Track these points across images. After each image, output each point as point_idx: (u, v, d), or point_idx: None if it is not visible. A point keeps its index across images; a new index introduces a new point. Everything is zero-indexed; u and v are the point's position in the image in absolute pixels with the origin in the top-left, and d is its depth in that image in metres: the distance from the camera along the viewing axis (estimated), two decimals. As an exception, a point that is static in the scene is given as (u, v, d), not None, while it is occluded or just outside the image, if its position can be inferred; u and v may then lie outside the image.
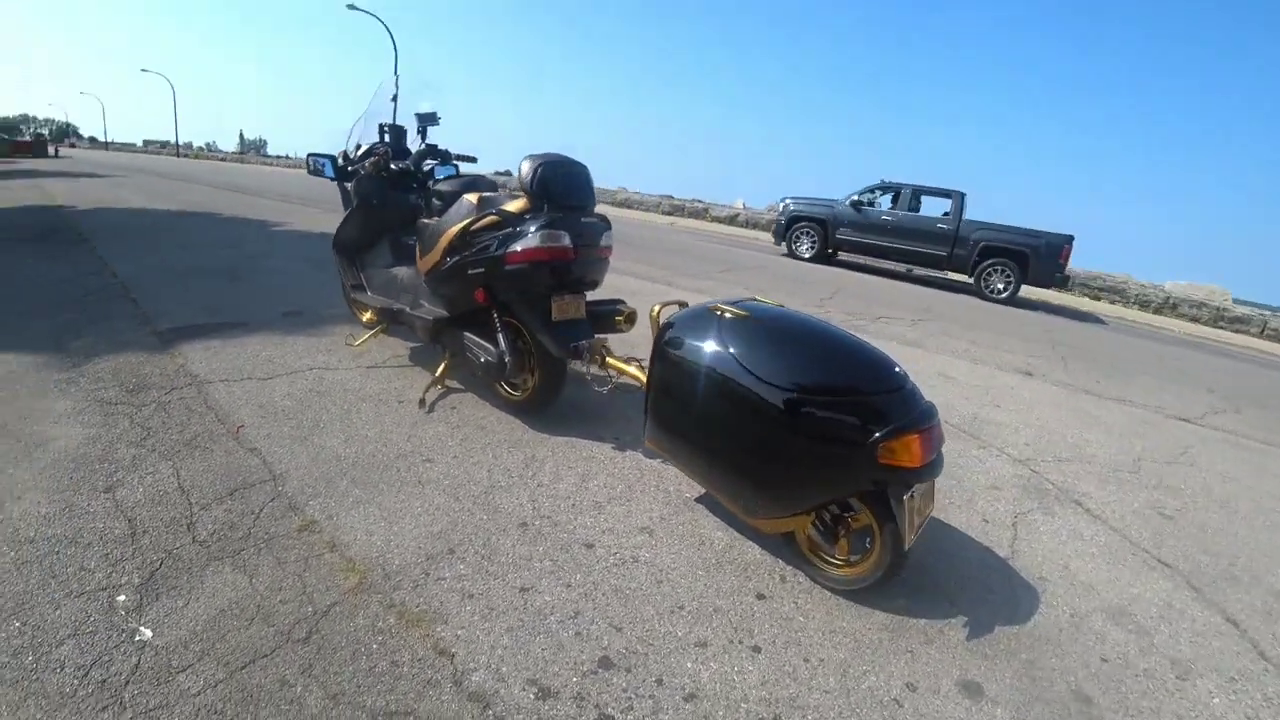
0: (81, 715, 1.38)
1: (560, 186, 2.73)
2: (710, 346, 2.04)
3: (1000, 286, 10.66)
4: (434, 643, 1.66)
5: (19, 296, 4.47)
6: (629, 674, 1.64)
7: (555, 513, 2.33)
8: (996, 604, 2.09)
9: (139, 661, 1.52)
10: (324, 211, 11.35)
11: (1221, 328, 12.24)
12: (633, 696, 1.56)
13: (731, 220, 18.36)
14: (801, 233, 12.47)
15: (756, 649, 1.78)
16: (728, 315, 2.08)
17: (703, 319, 2.14)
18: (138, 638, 1.59)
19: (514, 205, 2.73)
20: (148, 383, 3.09)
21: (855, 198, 12.07)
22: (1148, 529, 2.78)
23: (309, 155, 3.82)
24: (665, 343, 2.19)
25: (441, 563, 1.98)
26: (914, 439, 1.76)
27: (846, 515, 2.01)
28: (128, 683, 1.46)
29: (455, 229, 2.83)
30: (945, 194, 11.49)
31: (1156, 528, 2.81)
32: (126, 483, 2.24)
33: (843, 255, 12.82)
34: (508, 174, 18.39)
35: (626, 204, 20.72)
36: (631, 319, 2.98)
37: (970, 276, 11.04)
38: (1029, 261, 10.49)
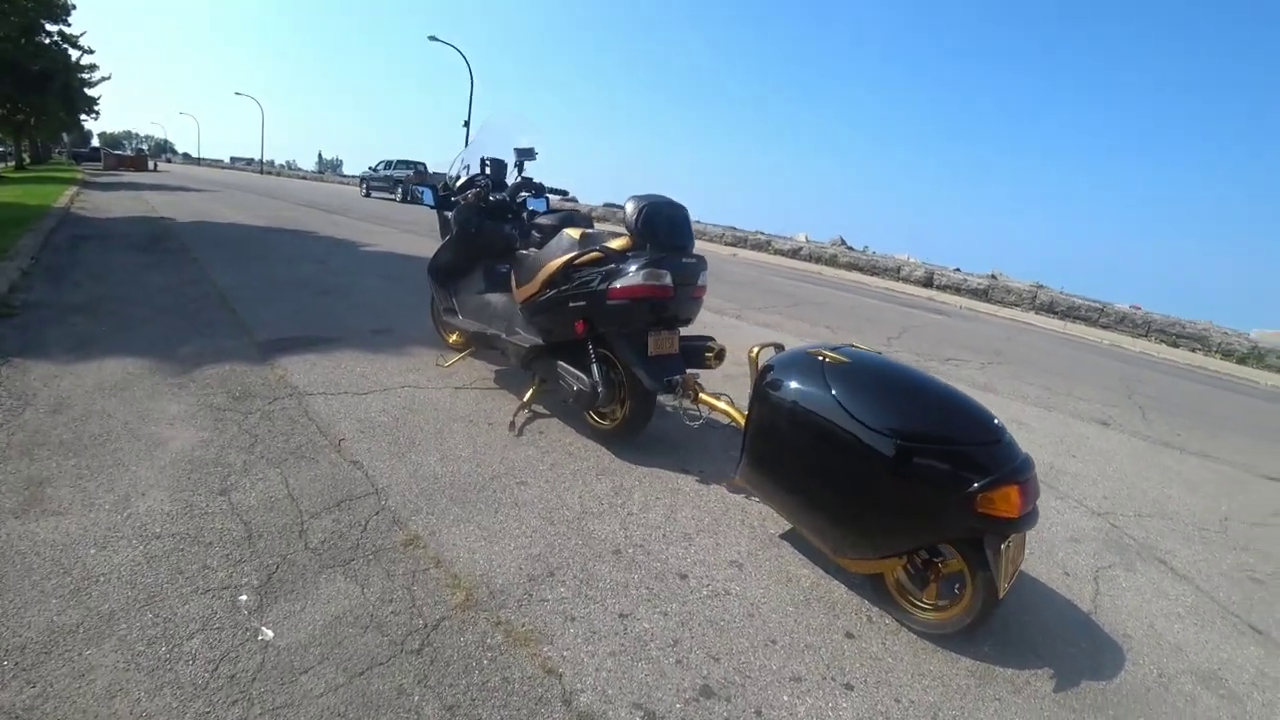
0: (213, 707, 1.44)
1: (663, 227, 2.81)
2: (814, 390, 2.09)
3: (398, 199, 23.05)
4: (542, 662, 1.69)
5: (130, 301, 4.78)
6: (729, 704, 1.64)
7: (647, 542, 2.35)
8: (1080, 658, 2.06)
9: (263, 660, 1.58)
10: (400, 231, 11.83)
11: (1317, 381, 11.41)
12: (735, 727, 1.56)
13: (795, 254, 18.29)
14: (371, 188, 26.08)
15: (849, 686, 1.78)
16: (830, 360, 2.13)
17: (805, 363, 2.20)
18: (260, 637, 1.66)
19: (617, 243, 2.82)
20: (252, 391, 3.25)
21: (371, 169, 26.92)
22: (1238, 592, 2.67)
23: (408, 184, 4.01)
24: (766, 384, 2.25)
25: (543, 584, 2.01)
26: (1013, 490, 1.79)
27: (937, 560, 2.02)
28: (254, 679, 1.53)
29: (557, 263, 2.92)
30: (409, 163, 24.73)
31: (1247, 592, 2.69)
32: (240, 486, 2.35)
33: (376, 195, 25.35)
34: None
35: (687, 233, 20.90)
36: (721, 355, 3.02)
37: (404, 199, 22.63)
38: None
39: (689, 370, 2.93)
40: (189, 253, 7.13)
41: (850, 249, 18.47)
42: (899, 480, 1.89)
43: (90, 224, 9.17)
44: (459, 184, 3.86)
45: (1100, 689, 1.93)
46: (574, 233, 2.98)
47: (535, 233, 3.40)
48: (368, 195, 25.63)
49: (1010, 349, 8.47)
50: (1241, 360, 12.32)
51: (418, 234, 11.74)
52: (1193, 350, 12.91)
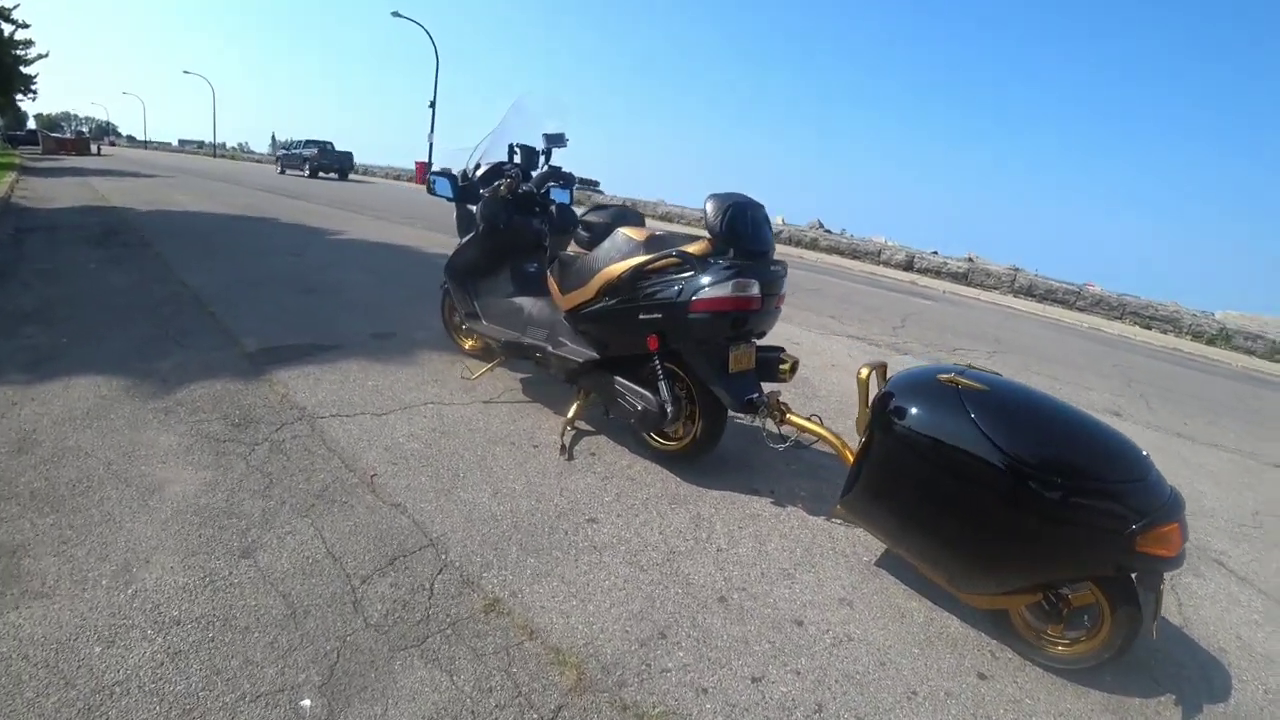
0: None
1: (748, 230, 2.47)
2: (952, 420, 1.93)
3: (306, 174, 24.63)
4: (691, 757, 1.38)
5: (91, 305, 4.26)
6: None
7: (748, 583, 2.08)
8: (1193, 680, 2.00)
9: (352, 801, 1.24)
10: (373, 218, 11.21)
11: (1278, 360, 11.67)
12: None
13: (774, 237, 18.04)
14: (284, 165, 27.22)
15: (1000, 735, 1.62)
16: (966, 386, 1.95)
17: (936, 389, 2.02)
18: (339, 764, 1.31)
19: (695, 247, 2.47)
20: (253, 416, 2.83)
21: (285, 149, 28.77)
22: (1296, 593, 2.61)
23: (429, 174, 3.57)
24: (890, 412, 2.04)
25: (658, 649, 1.72)
26: (1173, 529, 1.74)
27: (1065, 592, 1.94)
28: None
29: (619, 268, 2.56)
30: (316, 142, 26.09)
31: (1303, 592, 2.65)
32: (265, 544, 1.97)
33: (289, 171, 26.12)
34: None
35: (667, 217, 20.35)
36: (794, 368, 2.72)
37: (311, 174, 24.81)
38: (318, 161, 25.13)
39: (766, 387, 2.62)
40: (150, 246, 6.52)
41: (829, 232, 18.27)
42: (1049, 517, 1.77)
43: (34, 215, 8.41)
44: (479, 173, 3.43)
45: (1221, 713, 1.87)
46: (635, 234, 2.61)
47: (583, 231, 3.01)
48: (282, 172, 26.48)
49: (1007, 336, 8.42)
50: (1211, 341, 12.56)
51: (390, 220, 11.16)
52: (1164, 332, 13.11)
